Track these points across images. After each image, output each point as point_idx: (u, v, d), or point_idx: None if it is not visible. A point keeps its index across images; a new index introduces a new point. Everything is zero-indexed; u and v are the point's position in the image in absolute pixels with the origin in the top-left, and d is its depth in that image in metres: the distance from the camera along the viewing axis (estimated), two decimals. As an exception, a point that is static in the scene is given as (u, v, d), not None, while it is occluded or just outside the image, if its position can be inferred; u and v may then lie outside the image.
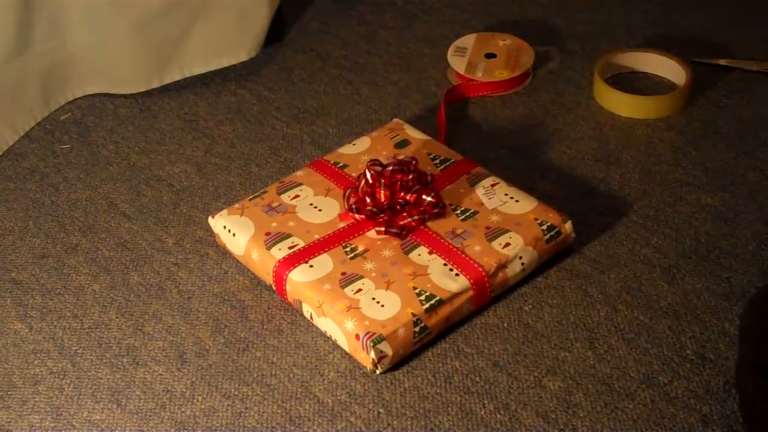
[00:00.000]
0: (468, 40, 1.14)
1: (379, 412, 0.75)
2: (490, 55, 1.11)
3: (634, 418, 0.73)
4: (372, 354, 0.75)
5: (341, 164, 0.93)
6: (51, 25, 1.05)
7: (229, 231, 0.87)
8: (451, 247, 0.83)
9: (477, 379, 0.77)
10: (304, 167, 0.94)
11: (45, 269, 0.91)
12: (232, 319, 0.84)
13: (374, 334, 0.76)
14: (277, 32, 1.20)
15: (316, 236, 0.85)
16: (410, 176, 0.86)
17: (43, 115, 1.11)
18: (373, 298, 0.79)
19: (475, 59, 1.11)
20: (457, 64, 1.10)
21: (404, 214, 0.85)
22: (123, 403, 0.77)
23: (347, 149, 0.95)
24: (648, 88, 1.07)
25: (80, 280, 0.89)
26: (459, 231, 0.84)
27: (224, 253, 0.91)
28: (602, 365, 0.77)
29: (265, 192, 0.91)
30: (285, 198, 0.90)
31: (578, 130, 1.02)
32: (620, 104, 1.04)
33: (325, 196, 0.89)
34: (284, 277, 0.82)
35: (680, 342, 0.79)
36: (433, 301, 0.78)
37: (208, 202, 0.97)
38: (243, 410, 0.76)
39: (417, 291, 0.79)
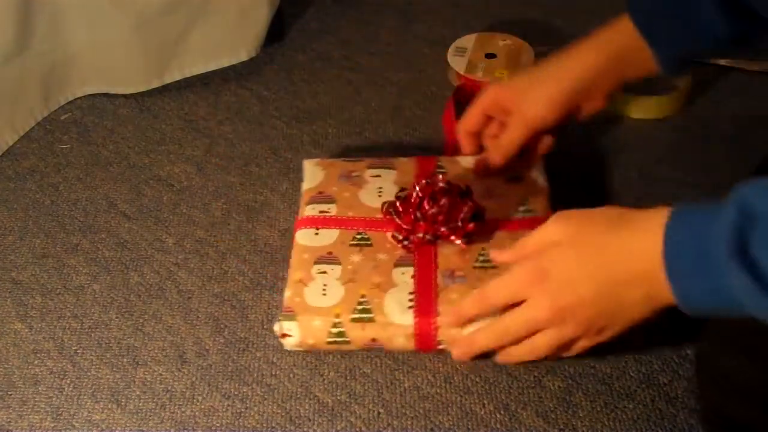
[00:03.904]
0: (468, 41, 1.14)
1: (379, 412, 0.75)
2: (490, 55, 1.11)
3: (634, 418, 0.73)
4: (276, 327, 0.77)
5: (443, 168, 0.90)
6: (51, 25, 1.05)
7: (305, 176, 0.90)
8: (432, 283, 0.78)
9: (477, 379, 0.77)
10: (412, 158, 0.91)
11: (45, 269, 0.91)
12: (232, 319, 0.84)
13: (291, 311, 0.77)
14: (277, 32, 1.20)
15: (350, 213, 0.85)
16: (462, 207, 0.81)
17: (43, 115, 1.11)
18: (324, 285, 0.78)
19: (475, 59, 1.11)
20: (457, 64, 1.10)
21: (430, 226, 0.81)
22: (123, 403, 0.77)
23: (463, 160, 0.91)
24: (648, 88, 1.07)
25: (80, 280, 0.89)
26: (459, 273, 0.79)
27: (224, 253, 0.91)
28: (602, 365, 0.77)
29: (359, 161, 0.91)
30: (368, 174, 0.89)
31: (578, 130, 1.02)
32: (620, 104, 1.04)
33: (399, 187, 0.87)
34: (295, 232, 0.84)
35: (680, 342, 0.79)
36: (363, 316, 0.76)
37: (208, 202, 0.97)
38: (243, 410, 0.76)
39: (361, 300, 0.77)
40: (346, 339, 0.77)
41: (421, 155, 0.92)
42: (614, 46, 0.84)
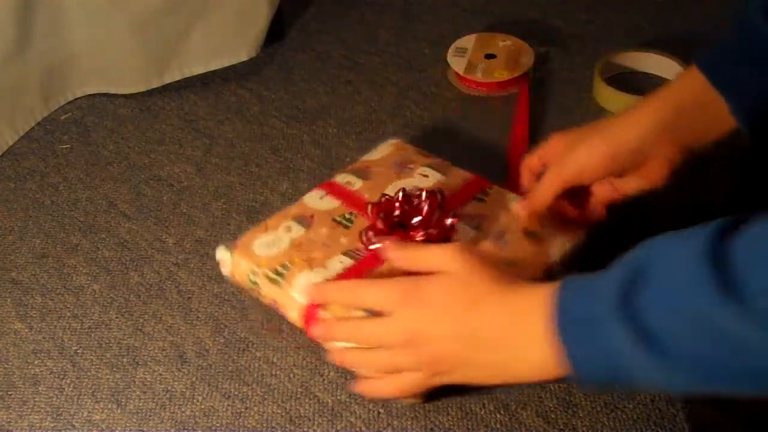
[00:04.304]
0: (468, 41, 1.14)
1: (379, 412, 0.75)
2: (490, 56, 1.11)
3: (634, 418, 0.73)
4: (217, 252, 0.82)
5: (484, 196, 0.85)
6: (51, 24, 1.05)
7: (375, 149, 0.92)
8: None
9: (477, 379, 0.77)
10: (468, 173, 0.87)
11: (45, 269, 0.91)
12: (232, 319, 0.84)
13: (234, 246, 0.81)
14: (277, 32, 1.20)
15: (366, 195, 0.85)
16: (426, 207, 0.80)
17: (43, 115, 1.11)
18: (277, 239, 0.80)
19: (474, 60, 1.11)
20: (457, 64, 1.10)
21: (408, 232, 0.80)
22: (123, 403, 0.77)
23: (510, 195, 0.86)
24: (648, 88, 1.07)
25: (80, 280, 0.89)
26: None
27: (224, 253, 0.91)
28: (602, 365, 0.77)
29: (427, 156, 0.90)
30: (419, 170, 0.87)
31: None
32: (620, 104, 1.04)
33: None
34: (313, 190, 0.87)
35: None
36: (275, 277, 0.78)
37: (208, 202, 0.97)
38: (243, 410, 0.76)
39: (285, 264, 0.78)
40: (259, 290, 0.79)
41: (478, 175, 0.88)
42: (678, 102, 0.74)
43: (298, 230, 0.81)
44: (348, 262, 0.78)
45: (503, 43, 1.13)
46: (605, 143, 0.76)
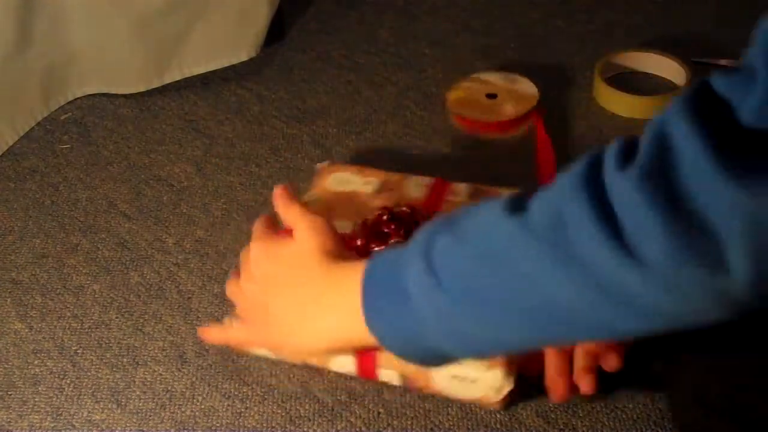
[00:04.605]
0: (469, 82, 1.08)
1: (379, 412, 0.75)
2: (491, 96, 1.05)
3: (634, 418, 0.73)
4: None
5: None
6: (51, 24, 1.05)
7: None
8: None
9: (477, 379, 0.77)
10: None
11: (45, 269, 0.91)
12: (232, 319, 0.84)
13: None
14: (277, 32, 1.20)
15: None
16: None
17: (43, 115, 1.11)
18: None
19: (475, 99, 1.05)
20: (460, 107, 1.05)
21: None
22: (123, 403, 0.77)
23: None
24: (648, 88, 1.07)
25: (80, 280, 0.89)
26: None
27: (224, 253, 0.91)
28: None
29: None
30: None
31: (578, 130, 1.02)
32: (620, 104, 1.04)
33: None
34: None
35: (681, 342, 0.79)
36: None
37: (208, 202, 0.97)
38: (243, 410, 0.76)
39: None
40: None
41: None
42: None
43: None
44: None
45: (502, 82, 1.07)
46: None
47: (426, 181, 0.88)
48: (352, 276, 0.61)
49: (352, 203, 0.86)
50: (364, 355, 0.74)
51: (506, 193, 0.83)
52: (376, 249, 0.78)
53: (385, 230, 0.79)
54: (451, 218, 0.57)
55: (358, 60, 1.17)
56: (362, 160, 0.99)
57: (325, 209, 0.85)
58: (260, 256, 0.69)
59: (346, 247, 0.72)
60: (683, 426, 0.71)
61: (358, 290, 0.59)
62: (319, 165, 0.93)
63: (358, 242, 0.79)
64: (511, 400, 0.73)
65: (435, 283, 0.54)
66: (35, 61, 1.06)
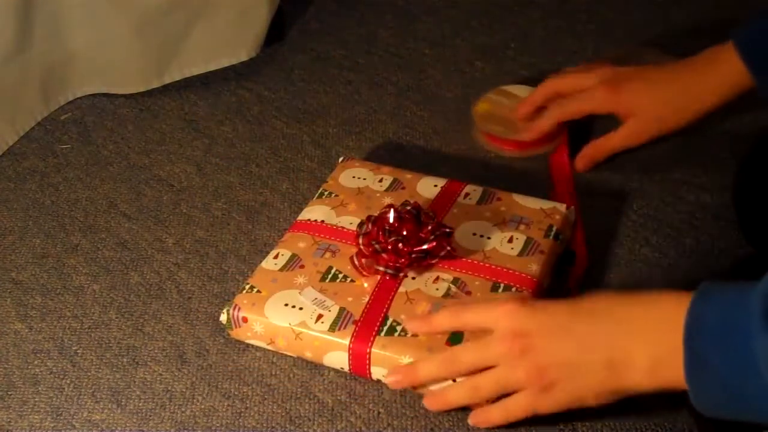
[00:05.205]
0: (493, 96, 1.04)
1: (379, 412, 0.75)
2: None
3: (634, 418, 0.73)
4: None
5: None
6: (51, 25, 1.05)
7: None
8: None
9: (477, 379, 0.77)
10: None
11: (45, 269, 0.91)
12: (232, 319, 0.84)
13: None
14: (277, 32, 1.20)
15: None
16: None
17: (43, 115, 1.11)
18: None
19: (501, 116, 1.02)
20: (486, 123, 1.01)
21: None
22: (123, 403, 0.77)
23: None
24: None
25: (80, 280, 0.89)
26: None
27: (224, 253, 0.91)
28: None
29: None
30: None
31: (577, 131, 1.02)
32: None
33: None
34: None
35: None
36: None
37: (208, 202, 0.97)
38: (243, 410, 0.76)
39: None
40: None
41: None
42: (734, 78, 0.86)
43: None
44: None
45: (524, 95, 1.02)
46: (699, 103, 0.89)
47: (439, 182, 0.89)
48: (654, 314, 0.61)
49: (363, 199, 0.87)
50: (357, 352, 0.74)
51: (521, 198, 0.86)
52: (380, 242, 0.79)
53: (388, 228, 0.79)
54: None
55: (358, 60, 1.17)
56: (376, 159, 0.98)
57: (338, 203, 0.87)
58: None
59: (353, 243, 0.76)
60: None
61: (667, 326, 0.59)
62: (341, 159, 0.94)
63: (361, 240, 0.80)
64: None
65: None
66: (35, 61, 1.06)
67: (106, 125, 1.10)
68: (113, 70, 1.12)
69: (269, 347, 0.79)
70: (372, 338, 0.74)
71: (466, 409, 0.74)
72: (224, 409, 0.76)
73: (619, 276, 0.85)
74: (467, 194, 0.87)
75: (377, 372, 0.75)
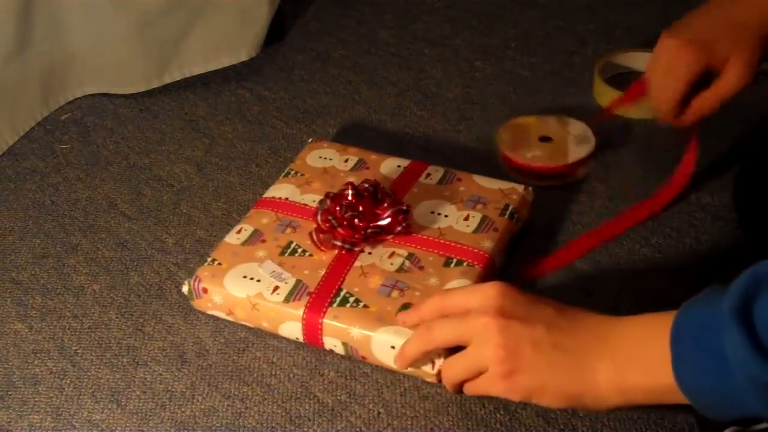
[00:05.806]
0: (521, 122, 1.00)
1: (379, 412, 0.75)
2: (544, 138, 0.98)
3: (634, 418, 0.73)
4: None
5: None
6: (51, 25, 1.05)
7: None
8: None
9: (477, 379, 0.77)
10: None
11: (45, 269, 0.91)
12: (232, 319, 0.84)
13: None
14: (277, 32, 1.21)
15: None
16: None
17: (43, 115, 1.11)
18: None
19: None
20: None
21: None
22: (123, 403, 0.77)
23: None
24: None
25: (80, 280, 0.89)
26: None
27: (224, 253, 0.91)
28: (602, 365, 0.77)
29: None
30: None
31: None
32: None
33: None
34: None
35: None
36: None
37: (208, 202, 0.97)
38: (243, 410, 0.76)
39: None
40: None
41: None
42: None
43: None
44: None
45: (556, 125, 0.99)
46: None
47: (403, 162, 0.92)
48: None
49: (328, 178, 0.90)
50: (310, 322, 0.77)
51: (481, 179, 0.88)
52: (337, 218, 0.81)
53: (345, 204, 0.82)
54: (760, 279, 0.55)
55: (358, 60, 1.17)
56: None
57: (304, 182, 0.90)
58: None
59: (314, 219, 0.80)
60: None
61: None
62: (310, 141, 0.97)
63: (319, 216, 0.82)
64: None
65: (761, 356, 0.52)
66: (35, 61, 1.06)
67: (106, 125, 1.10)
68: (113, 70, 1.12)
69: (229, 318, 0.81)
70: (324, 309, 0.76)
71: (465, 410, 0.74)
72: (224, 409, 0.76)
73: (619, 276, 0.85)
74: (429, 174, 0.90)
75: (329, 342, 0.77)
